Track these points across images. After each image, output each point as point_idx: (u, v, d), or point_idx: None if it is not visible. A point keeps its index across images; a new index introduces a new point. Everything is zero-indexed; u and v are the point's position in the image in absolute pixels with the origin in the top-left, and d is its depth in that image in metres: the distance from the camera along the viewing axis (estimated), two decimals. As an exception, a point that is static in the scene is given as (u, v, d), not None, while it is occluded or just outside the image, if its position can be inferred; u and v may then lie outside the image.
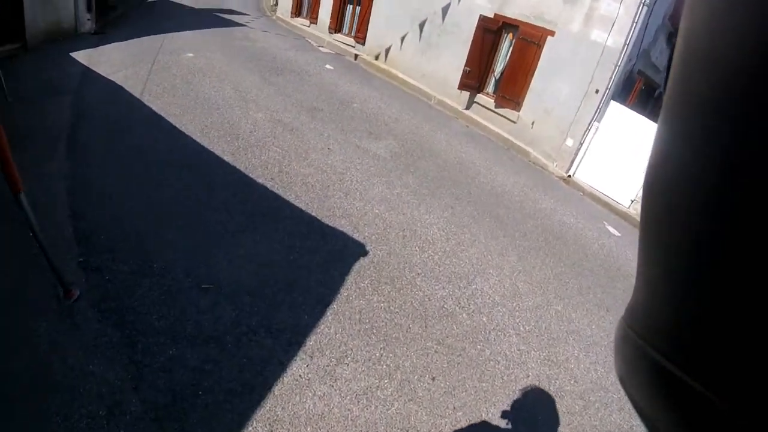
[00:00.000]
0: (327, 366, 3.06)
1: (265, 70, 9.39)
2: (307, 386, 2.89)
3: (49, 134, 5.19)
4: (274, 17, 17.45)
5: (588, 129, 8.39)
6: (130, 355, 2.74)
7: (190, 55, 9.53)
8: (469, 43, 9.62)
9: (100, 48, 9.20)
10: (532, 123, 9.07)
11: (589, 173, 8.58)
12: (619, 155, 8.17)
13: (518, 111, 9.30)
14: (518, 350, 3.74)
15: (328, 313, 3.48)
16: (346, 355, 3.18)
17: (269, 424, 2.59)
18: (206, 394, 2.64)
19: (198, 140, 5.68)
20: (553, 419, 3.27)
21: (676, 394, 0.31)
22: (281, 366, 2.96)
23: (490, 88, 10.00)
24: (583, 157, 8.60)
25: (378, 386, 3.02)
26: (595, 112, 8.23)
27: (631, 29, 7.62)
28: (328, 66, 10.96)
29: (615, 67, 7.90)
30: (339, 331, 3.35)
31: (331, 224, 4.55)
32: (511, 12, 9.19)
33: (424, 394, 3.07)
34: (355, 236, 4.46)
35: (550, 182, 8.24)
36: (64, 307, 2.96)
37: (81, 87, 6.84)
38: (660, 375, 0.32)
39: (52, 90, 6.59)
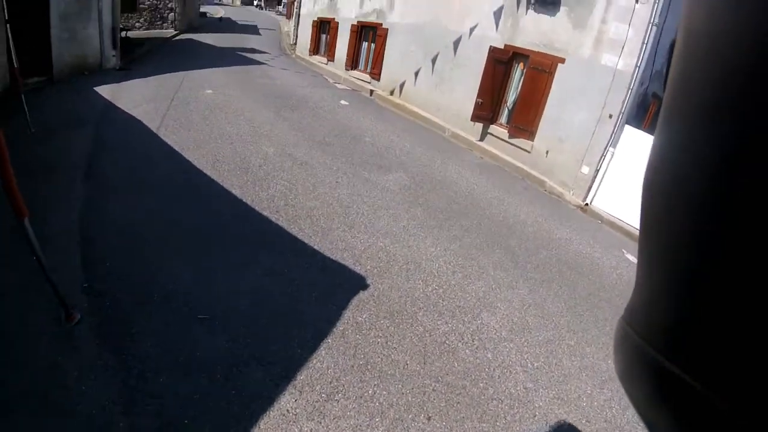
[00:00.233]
0: (316, 402, 2.96)
1: (280, 106, 9.59)
2: (294, 422, 2.78)
3: (67, 164, 5.46)
4: (293, 55, 17.99)
5: (603, 155, 8.21)
6: (124, 380, 2.80)
7: (209, 91, 9.84)
8: (481, 74, 9.65)
9: (124, 83, 9.65)
10: (547, 152, 8.94)
11: (607, 200, 8.34)
12: (636, 180, 7.86)
13: (532, 140, 9.20)
14: (525, 388, 3.53)
15: (322, 348, 3.38)
16: (337, 391, 3.07)
17: (251, 462, 2.50)
18: (192, 424, 2.63)
19: (209, 174, 5.80)
20: (560, 463, 3.06)
21: (675, 393, 0.31)
22: (269, 400, 2.90)
23: (503, 118, 9.95)
24: (600, 185, 8.38)
25: (368, 425, 2.88)
26: (610, 137, 8.06)
27: (641, 51, 7.50)
28: (343, 102, 11.14)
29: (627, 91, 7.76)
30: (331, 366, 3.25)
31: (332, 257, 4.49)
32: (521, 41, 9.21)
33: (417, 434, 2.92)
34: (357, 269, 4.38)
35: (566, 211, 8.04)
36: (65, 329, 3.06)
37: (102, 120, 7.17)
38: (659, 374, 0.32)
39: (74, 122, 6.93)
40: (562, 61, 8.57)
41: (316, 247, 4.59)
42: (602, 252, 6.55)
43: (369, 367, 3.32)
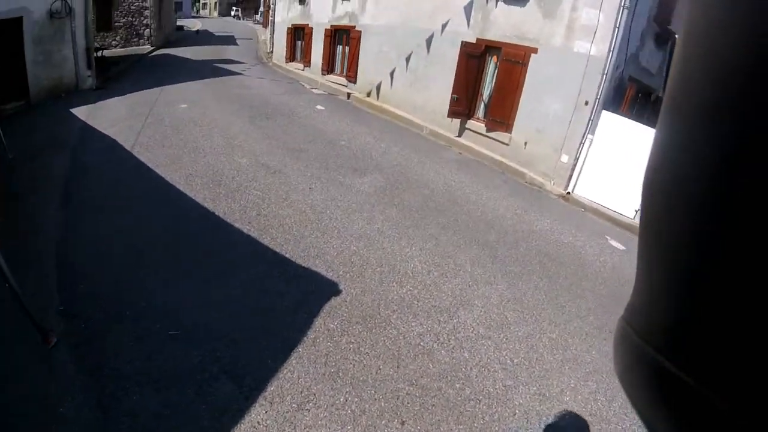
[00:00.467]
0: (287, 413, 2.89)
1: (255, 115, 9.52)
2: (264, 435, 2.72)
3: (45, 188, 5.55)
4: (270, 64, 17.92)
5: (582, 142, 8.18)
6: (99, 399, 2.82)
7: (184, 106, 9.76)
8: (455, 70, 9.61)
9: (100, 103, 9.65)
10: (525, 143, 8.90)
11: (589, 188, 8.30)
12: (617, 165, 7.91)
13: (510, 133, 9.15)
14: (504, 386, 3.44)
15: (293, 357, 3.31)
16: (308, 401, 3.00)
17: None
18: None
19: (182, 189, 5.73)
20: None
21: (675, 393, 0.31)
22: (240, 413, 2.85)
23: (480, 112, 9.91)
24: (580, 172, 8.35)
25: (340, 434, 2.81)
26: (588, 124, 8.03)
27: (614, 35, 7.47)
28: (319, 106, 11.07)
29: (602, 76, 7.73)
30: (302, 376, 3.18)
31: (304, 265, 4.41)
32: (493, 35, 9.18)
33: (390, 441, 2.84)
34: (329, 275, 4.30)
35: (548, 202, 7.99)
36: (43, 352, 3.09)
37: (79, 142, 7.19)
38: (659, 374, 0.32)
39: (52, 146, 6.98)
40: (535, 51, 8.54)
41: (287, 256, 4.50)
42: (585, 240, 6.50)
43: (341, 374, 3.25)
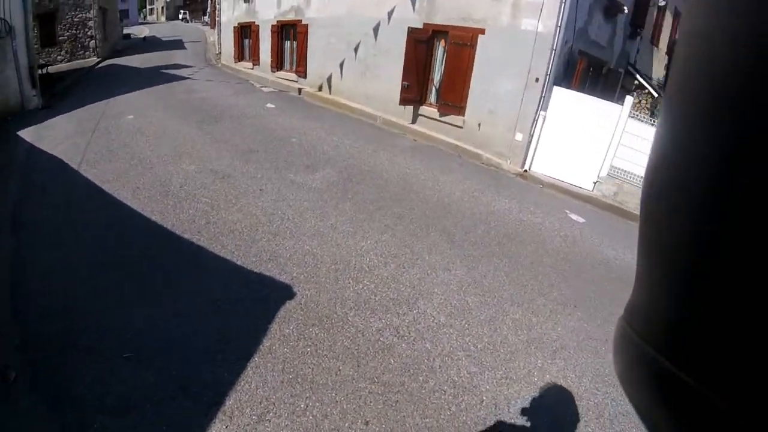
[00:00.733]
0: (247, 425, 2.77)
1: (203, 120, 9.25)
2: (225, 451, 2.61)
3: None
4: (219, 65, 17.53)
5: (536, 120, 8.24)
6: (62, 428, 2.72)
7: (131, 117, 9.46)
8: (404, 57, 9.53)
9: (47, 122, 9.31)
10: (479, 125, 8.91)
11: (546, 164, 8.39)
12: (572, 139, 8.01)
13: (463, 116, 9.14)
14: (469, 373, 3.39)
15: (249, 368, 3.18)
16: (268, 411, 2.88)
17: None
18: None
19: (128, 203, 5.51)
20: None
21: (675, 393, 0.31)
22: (200, 429, 2.73)
23: (432, 98, 9.87)
24: (536, 149, 8.42)
25: (302, 442, 2.72)
26: (540, 101, 8.08)
27: (560, 11, 7.52)
28: (269, 105, 10.85)
29: (551, 53, 7.78)
30: (261, 386, 3.06)
31: (256, 270, 4.27)
32: (439, 18, 9.13)
33: (354, 443, 2.77)
34: (282, 278, 4.17)
35: (506, 181, 8.02)
36: (2, 390, 2.97)
37: (25, 165, 6.92)
38: (659, 374, 0.32)
39: None
40: (483, 32, 8.53)
41: (239, 263, 4.35)
42: (544, 216, 6.55)
43: (299, 379, 3.14)
